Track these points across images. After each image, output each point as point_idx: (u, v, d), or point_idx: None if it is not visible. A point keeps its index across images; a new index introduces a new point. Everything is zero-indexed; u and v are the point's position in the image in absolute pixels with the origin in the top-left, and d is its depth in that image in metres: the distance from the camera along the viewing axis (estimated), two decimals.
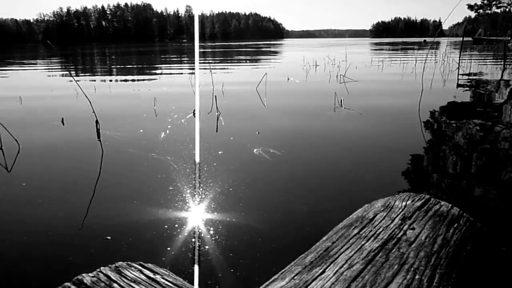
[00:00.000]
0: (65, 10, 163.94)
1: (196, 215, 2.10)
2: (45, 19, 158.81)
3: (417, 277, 0.81)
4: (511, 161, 2.94)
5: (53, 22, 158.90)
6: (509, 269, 1.42)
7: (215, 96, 5.18)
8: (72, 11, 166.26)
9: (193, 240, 1.85)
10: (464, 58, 13.53)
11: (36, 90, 7.41)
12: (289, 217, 2.08)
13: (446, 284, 0.81)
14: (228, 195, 2.34)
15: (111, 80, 9.48)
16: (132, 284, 0.83)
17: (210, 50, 31.05)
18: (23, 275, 1.62)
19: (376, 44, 44.17)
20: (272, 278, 0.88)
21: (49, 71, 12.82)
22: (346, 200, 2.30)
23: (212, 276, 1.57)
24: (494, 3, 38.78)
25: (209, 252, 1.74)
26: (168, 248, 1.76)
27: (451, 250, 0.92)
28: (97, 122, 3.86)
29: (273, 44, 50.10)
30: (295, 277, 0.85)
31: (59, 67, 13.92)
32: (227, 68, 12.64)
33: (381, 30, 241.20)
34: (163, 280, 0.86)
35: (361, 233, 0.99)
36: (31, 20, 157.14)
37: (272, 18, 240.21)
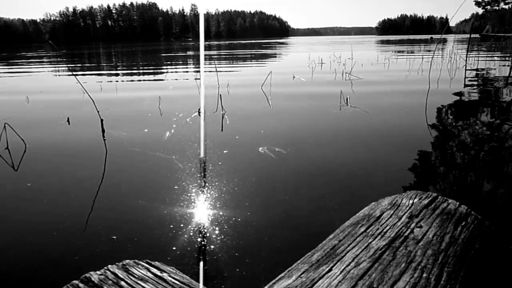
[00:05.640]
0: (71, 9, 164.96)
1: (202, 214, 2.11)
2: (51, 19, 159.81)
3: (424, 275, 0.80)
4: None
5: (60, 22, 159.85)
6: None
7: (220, 95, 5.18)
8: (78, 11, 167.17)
9: (199, 239, 1.85)
10: (471, 55, 13.41)
11: (42, 89, 7.46)
12: (295, 215, 2.08)
13: (454, 282, 0.81)
14: (234, 194, 2.34)
15: (117, 80, 9.52)
16: (139, 282, 0.83)
17: (215, 48, 31.07)
18: (30, 274, 1.63)
19: (382, 41, 43.93)
20: (279, 276, 0.88)
21: (55, 71, 12.91)
22: (352, 198, 2.29)
23: (218, 275, 1.57)
24: None
25: (215, 250, 1.74)
26: (174, 247, 1.77)
27: (458, 248, 0.91)
28: (102, 121, 3.88)
29: (279, 43, 50.00)
30: (302, 275, 0.85)
31: (66, 67, 14.01)
32: (233, 67, 12.64)
33: (387, 27, 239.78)
34: (170, 278, 0.86)
35: (368, 231, 0.98)
36: (38, 20, 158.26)
37: (277, 16, 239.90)
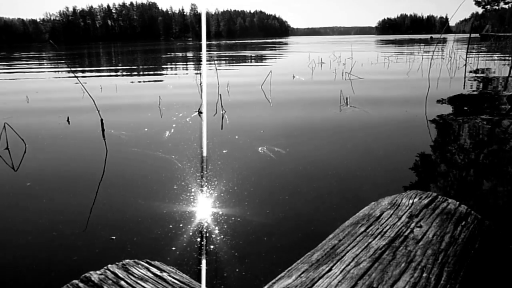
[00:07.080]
0: (71, 9, 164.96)
1: (202, 214, 2.11)
2: (51, 18, 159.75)
3: (424, 275, 0.80)
4: None
5: (60, 21, 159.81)
6: None
7: (220, 94, 5.19)
8: (78, 11, 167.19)
9: (199, 238, 1.85)
10: (471, 54, 13.41)
11: (42, 89, 7.46)
12: (295, 215, 2.08)
13: (453, 282, 0.81)
14: (233, 194, 2.34)
15: (117, 79, 9.51)
16: (139, 281, 0.83)
17: (215, 48, 31.06)
18: (30, 274, 1.63)
19: (382, 41, 43.92)
20: (279, 276, 0.88)
21: (55, 71, 12.90)
22: (352, 198, 2.29)
23: (218, 274, 1.57)
24: None
25: (215, 250, 1.74)
26: (174, 247, 1.77)
27: (458, 248, 0.91)
28: (102, 121, 3.88)
29: (279, 42, 49.99)
30: (302, 275, 0.85)
31: (66, 66, 14.01)
32: (233, 67, 12.63)
33: (387, 27, 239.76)
34: (170, 278, 0.86)
35: (367, 231, 0.98)
36: (38, 20, 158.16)
37: (277, 16, 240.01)
